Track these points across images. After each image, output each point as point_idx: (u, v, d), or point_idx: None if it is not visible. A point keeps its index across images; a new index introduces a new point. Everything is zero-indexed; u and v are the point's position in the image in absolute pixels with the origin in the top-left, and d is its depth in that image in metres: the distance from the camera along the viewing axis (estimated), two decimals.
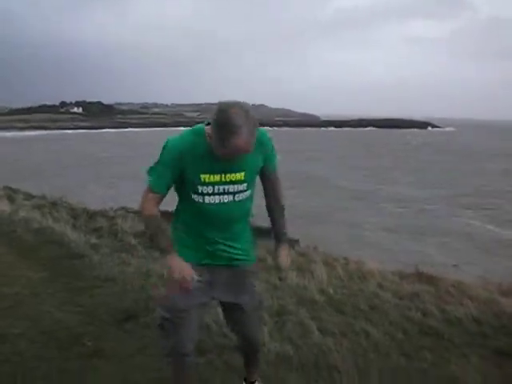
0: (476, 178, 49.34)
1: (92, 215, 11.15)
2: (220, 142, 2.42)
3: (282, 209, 2.99)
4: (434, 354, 4.31)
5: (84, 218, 10.53)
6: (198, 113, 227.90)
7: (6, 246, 7.48)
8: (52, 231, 8.42)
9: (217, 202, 2.67)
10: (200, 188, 2.63)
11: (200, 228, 2.76)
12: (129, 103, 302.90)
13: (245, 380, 3.34)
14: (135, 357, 3.92)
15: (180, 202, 2.82)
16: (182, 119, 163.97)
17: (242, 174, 2.66)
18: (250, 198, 2.81)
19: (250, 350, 3.22)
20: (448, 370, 4.03)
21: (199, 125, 2.66)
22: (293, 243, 11.32)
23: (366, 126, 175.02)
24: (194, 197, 2.67)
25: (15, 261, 6.63)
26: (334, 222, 29.12)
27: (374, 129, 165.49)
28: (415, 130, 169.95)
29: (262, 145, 2.70)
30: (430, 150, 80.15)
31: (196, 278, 2.67)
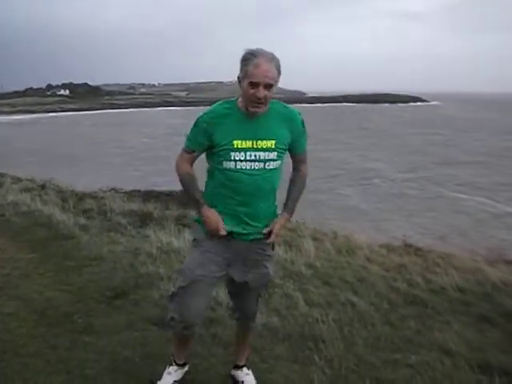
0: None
1: (81, 197, 11.15)
2: (244, 71, 2.67)
3: (302, 186, 3.10)
4: (418, 323, 4.41)
5: (73, 199, 10.52)
6: (186, 92, 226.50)
7: None
8: (40, 214, 8.43)
9: (248, 168, 2.77)
10: (232, 154, 2.75)
11: (227, 200, 2.86)
12: (116, 84, 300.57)
13: (235, 366, 3.38)
14: (124, 333, 3.97)
15: (210, 173, 2.94)
16: (169, 99, 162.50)
17: (273, 142, 2.79)
18: (279, 171, 2.91)
19: (243, 324, 3.30)
20: (431, 336, 4.13)
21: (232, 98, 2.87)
22: None
23: (352, 102, 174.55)
24: (226, 164, 2.78)
25: (4, 244, 6.65)
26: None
27: (361, 105, 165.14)
28: (402, 104, 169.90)
29: (291, 121, 2.88)
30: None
31: (225, 229, 2.85)
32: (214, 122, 2.78)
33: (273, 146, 2.79)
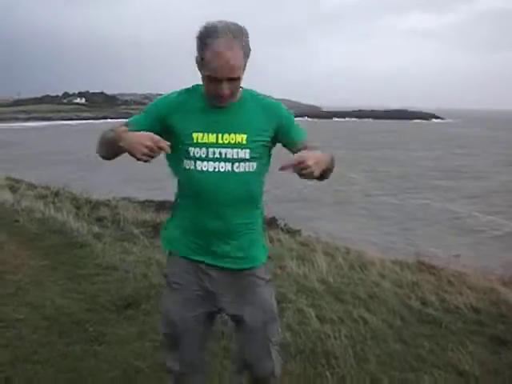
0: None
1: (95, 205, 11.19)
2: (200, 56, 2.05)
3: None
4: (432, 342, 4.35)
5: (87, 207, 10.57)
6: None
7: (9, 236, 7.53)
8: (54, 221, 8.48)
9: (210, 169, 2.16)
10: (191, 150, 2.16)
11: (192, 212, 2.26)
12: (132, 94, 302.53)
13: None
14: (136, 343, 3.97)
15: (174, 177, 2.32)
16: None
17: (244, 136, 2.17)
18: (257, 176, 2.27)
19: None
20: (445, 356, 4.08)
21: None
22: (294, 233, 11.37)
23: (367, 117, 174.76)
24: (185, 163, 2.18)
25: (18, 250, 6.68)
26: None
27: (374, 120, 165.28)
28: (419, 121, 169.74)
29: (270, 110, 2.24)
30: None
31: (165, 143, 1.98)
32: (170, 106, 2.21)
33: (243, 142, 2.16)
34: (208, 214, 2.21)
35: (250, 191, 2.24)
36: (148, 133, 1.98)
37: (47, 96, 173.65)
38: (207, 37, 2.00)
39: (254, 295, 2.33)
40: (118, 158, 2.22)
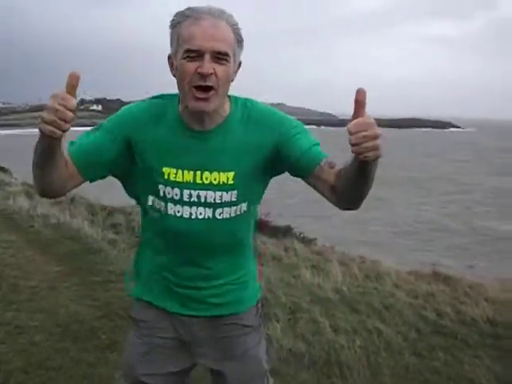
0: None
1: (110, 211, 11.23)
2: (176, 38, 1.56)
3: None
4: (447, 354, 4.30)
5: (102, 214, 10.61)
6: None
7: (25, 241, 7.56)
8: (69, 227, 8.51)
9: (186, 216, 1.68)
10: (161, 189, 1.66)
11: (162, 254, 1.80)
12: None
13: None
14: None
15: (142, 215, 1.86)
16: None
17: (230, 174, 1.65)
18: (247, 218, 1.79)
19: None
20: (461, 370, 4.02)
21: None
22: (309, 242, 11.35)
23: (383, 126, 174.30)
24: (154, 202, 1.71)
25: (33, 255, 6.70)
26: None
27: (391, 129, 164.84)
28: (435, 130, 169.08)
29: (272, 124, 1.68)
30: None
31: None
32: (136, 125, 1.66)
33: (229, 182, 1.65)
34: (181, 261, 1.77)
35: (236, 238, 1.79)
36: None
37: None
38: (184, 15, 1.55)
39: (238, 348, 1.85)
40: None
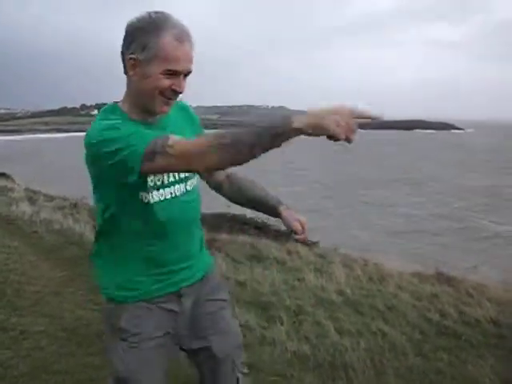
0: None
1: None
2: (152, 48, 1.67)
3: (255, 182, 2.17)
4: (451, 355, 4.31)
5: None
6: (218, 115, 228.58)
7: (28, 247, 7.59)
8: (72, 232, 8.53)
9: (168, 196, 1.82)
10: (149, 179, 1.77)
11: (143, 248, 1.86)
12: None
13: None
14: None
15: (108, 222, 1.87)
16: (202, 122, 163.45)
17: None
18: (198, 188, 2.01)
19: None
20: (465, 370, 4.03)
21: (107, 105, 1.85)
22: (312, 245, 11.35)
23: (386, 128, 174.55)
24: (141, 196, 1.78)
25: (36, 261, 6.72)
26: None
27: (394, 131, 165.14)
28: (435, 131, 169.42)
29: (190, 114, 2.02)
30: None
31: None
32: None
33: None
34: (164, 247, 1.87)
35: (199, 208, 1.99)
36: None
37: (65, 108, 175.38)
38: (162, 25, 1.67)
39: (221, 321, 2.03)
40: None
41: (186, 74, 1.73)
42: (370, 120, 1.48)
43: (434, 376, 3.93)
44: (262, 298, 5.27)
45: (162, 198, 1.81)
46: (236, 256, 7.58)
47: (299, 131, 1.43)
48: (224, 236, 9.68)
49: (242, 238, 9.80)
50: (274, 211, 2.07)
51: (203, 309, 2.00)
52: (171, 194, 1.83)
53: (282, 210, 2.05)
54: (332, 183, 45.32)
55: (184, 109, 1.99)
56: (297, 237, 2.02)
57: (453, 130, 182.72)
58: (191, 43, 1.71)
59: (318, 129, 1.41)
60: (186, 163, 1.59)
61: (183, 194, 1.87)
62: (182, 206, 1.86)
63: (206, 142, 1.54)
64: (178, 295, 1.93)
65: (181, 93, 1.74)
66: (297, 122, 1.42)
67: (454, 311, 5.56)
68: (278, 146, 1.49)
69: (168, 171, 1.75)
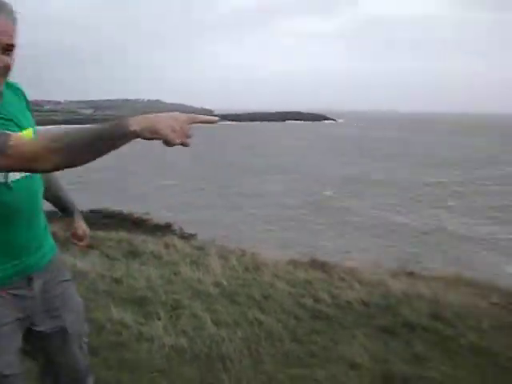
0: None
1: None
2: None
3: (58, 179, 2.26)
4: (325, 337, 4.47)
5: None
6: (93, 110, 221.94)
7: None
8: None
9: (19, 176, 1.79)
10: None
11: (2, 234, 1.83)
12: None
13: None
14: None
15: None
16: (76, 116, 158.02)
17: (31, 131, 1.89)
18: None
19: None
20: (337, 350, 4.20)
21: None
22: (189, 238, 11.35)
23: (258, 120, 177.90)
24: None
25: None
26: None
27: (267, 122, 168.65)
28: (310, 122, 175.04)
29: (27, 101, 1.99)
30: None
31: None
32: None
33: (32, 136, 1.87)
34: (10, 232, 1.83)
35: (42, 191, 1.98)
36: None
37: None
38: None
39: (70, 301, 2.10)
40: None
41: (6, 48, 1.65)
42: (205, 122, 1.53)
43: (310, 359, 4.05)
44: (138, 294, 5.18)
45: (17, 178, 1.78)
46: (112, 253, 7.39)
47: (135, 134, 1.44)
48: (100, 233, 9.40)
49: (118, 234, 9.57)
50: (70, 214, 2.31)
51: (53, 291, 2.03)
52: (14, 175, 1.77)
53: (77, 218, 2.31)
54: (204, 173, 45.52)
55: (19, 90, 1.94)
56: (80, 243, 2.32)
57: (325, 121, 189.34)
58: (8, 15, 1.64)
59: (153, 133, 1.42)
60: (23, 165, 1.55)
61: (24, 178, 1.81)
62: (25, 190, 1.83)
63: (42, 145, 1.51)
64: (28, 280, 1.93)
65: (4, 68, 1.68)
66: (133, 125, 1.44)
67: (327, 295, 5.74)
68: (115, 148, 1.50)
69: (6, 171, 1.68)
